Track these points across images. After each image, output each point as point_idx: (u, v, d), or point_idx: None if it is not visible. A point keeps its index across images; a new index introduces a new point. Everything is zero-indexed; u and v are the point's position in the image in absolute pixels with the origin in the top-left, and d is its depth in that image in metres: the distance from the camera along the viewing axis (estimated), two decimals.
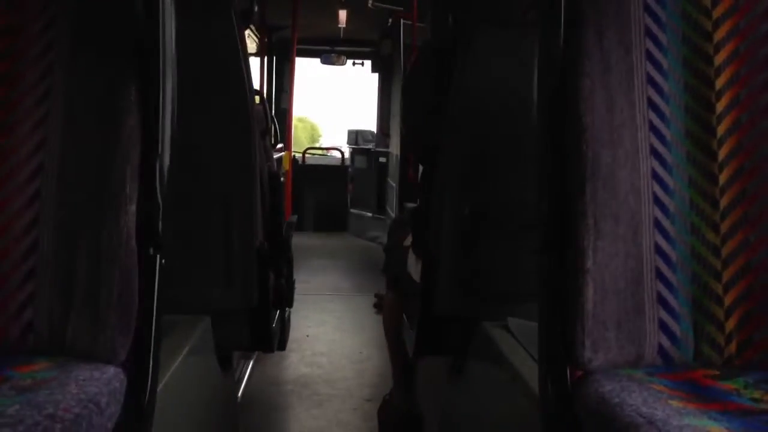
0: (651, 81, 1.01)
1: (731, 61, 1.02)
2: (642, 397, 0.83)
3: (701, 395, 0.86)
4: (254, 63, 6.27)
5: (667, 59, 1.02)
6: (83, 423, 0.82)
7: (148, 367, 0.99)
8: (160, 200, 1.02)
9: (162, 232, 1.02)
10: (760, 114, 1.01)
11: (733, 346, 0.98)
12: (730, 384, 0.90)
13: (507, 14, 1.82)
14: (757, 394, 0.87)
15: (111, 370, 0.94)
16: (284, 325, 2.52)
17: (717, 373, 0.94)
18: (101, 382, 0.89)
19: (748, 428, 0.77)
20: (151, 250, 1.01)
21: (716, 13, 1.03)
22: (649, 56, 1.01)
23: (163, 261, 1.02)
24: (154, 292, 1.01)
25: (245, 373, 2.98)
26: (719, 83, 1.02)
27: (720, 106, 1.01)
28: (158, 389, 1.01)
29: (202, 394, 1.62)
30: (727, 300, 0.98)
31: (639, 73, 1.01)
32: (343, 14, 6.25)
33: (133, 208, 1.00)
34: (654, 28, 1.02)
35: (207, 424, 1.66)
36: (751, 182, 1.00)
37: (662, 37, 1.02)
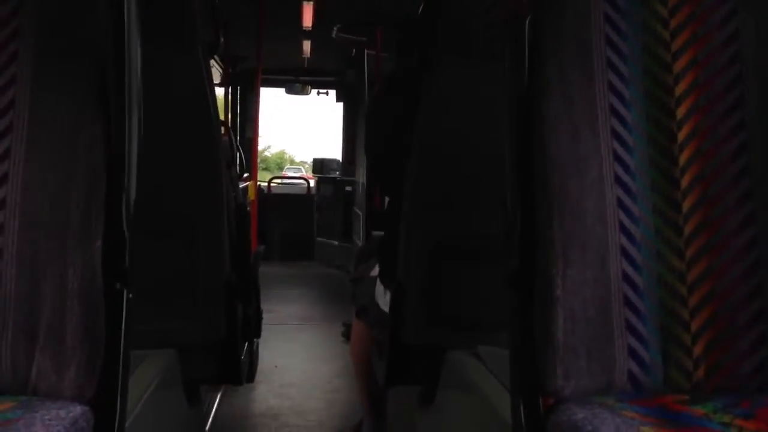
0: (614, 111, 1.03)
1: (691, 92, 1.05)
2: (615, 424, 0.84)
3: (672, 421, 0.87)
4: (219, 93, 6.26)
5: (629, 90, 1.04)
6: None
7: (116, 405, 0.97)
8: (126, 235, 1.01)
9: (128, 266, 1.01)
10: (720, 143, 1.03)
11: (701, 371, 0.99)
12: (700, 409, 0.91)
13: (472, 46, 1.85)
14: (726, 419, 0.88)
15: (78, 409, 0.92)
16: (252, 356, 2.49)
17: (686, 398, 0.95)
18: (68, 422, 0.87)
19: None
20: (118, 285, 1.00)
21: (675, 45, 1.06)
22: (612, 88, 1.03)
23: (130, 295, 1.01)
24: (121, 327, 0.99)
25: (213, 406, 2.93)
26: (680, 113, 1.04)
27: (681, 136, 1.04)
28: (126, 426, 1.00)
29: (170, 429, 1.59)
30: (694, 326, 1.00)
31: (602, 104, 1.03)
32: (307, 45, 6.28)
33: (99, 243, 0.99)
34: (616, 60, 1.04)
35: None
36: (713, 210, 1.02)
37: (624, 69, 1.04)
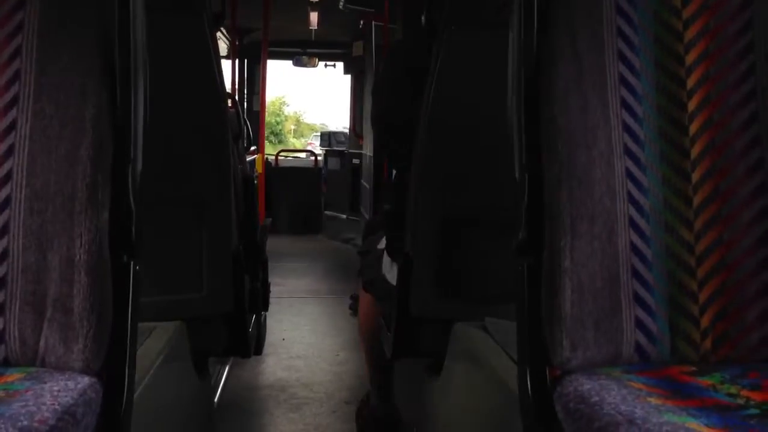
0: (624, 81, 1.02)
1: (701, 61, 1.03)
2: (621, 395, 0.84)
3: (679, 392, 0.87)
4: (225, 66, 6.24)
5: (639, 60, 1.03)
6: None
7: (124, 377, 0.97)
8: (133, 206, 1.00)
9: (135, 238, 1.01)
10: (731, 112, 1.02)
11: (708, 343, 0.99)
12: (706, 380, 0.91)
13: (480, 15, 1.83)
14: (733, 390, 0.88)
15: (86, 380, 0.92)
16: (260, 329, 2.51)
17: (694, 369, 0.95)
18: (76, 393, 0.88)
19: (725, 424, 0.78)
20: (125, 257, 1.00)
21: (686, 13, 1.04)
22: (622, 57, 1.02)
23: (138, 268, 1.01)
24: (128, 299, 0.99)
25: (221, 379, 2.95)
26: (690, 83, 1.03)
27: (691, 105, 1.02)
28: (134, 398, 1.00)
29: (178, 401, 1.61)
30: (702, 297, 0.99)
31: (612, 74, 1.01)
32: (314, 16, 6.24)
33: (105, 215, 0.99)
34: (626, 29, 1.02)
35: (184, 431, 1.65)
36: (723, 180, 1.01)
37: (634, 38, 1.03)
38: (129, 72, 1.00)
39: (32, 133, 1.01)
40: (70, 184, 0.98)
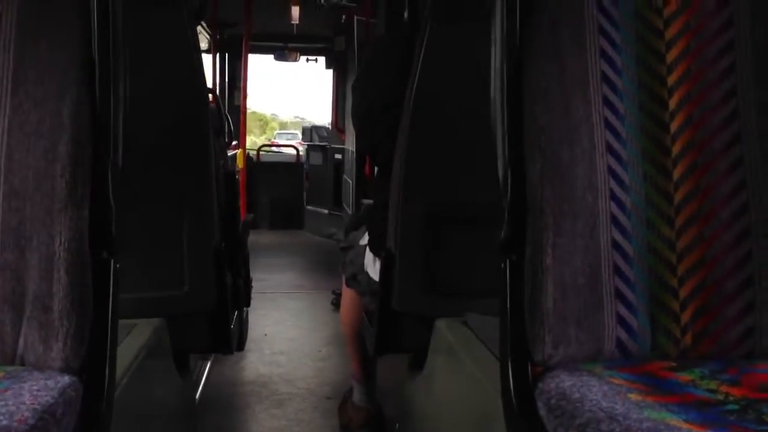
0: (605, 79, 1.02)
1: (682, 59, 1.04)
2: (602, 392, 0.85)
3: (659, 388, 0.88)
4: (206, 60, 6.20)
5: (620, 57, 1.03)
6: None
7: (104, 375, 0.97)
8: (113, 203, 1.00)
9: (116, 235, 1.00)
10: (711, 110, 1.03)
11: (688, 338, 1.00)
12: (686, 375, 0.92)
13: (462, 11, 1.83)
14: (713, 385, 0.89)
15: (66, 379, 0.91)
16: (242, 325, 2.50)
17: (674, 365, 0.96)
18: (56, 392, 0.87)
19: (704, 419, 0.79)
20: (105, 254, 0.99)
21: (667, 11, 1.04)
22: (603, 54, 1.02)
23: (118, 265, 1.00)
24: (108, 297, 0.99)
25: (203, 375, 2.94)
26: (671, 80, 1.03)
27: (672, 103, 1.03)
28: (115, 396, 0.99)
29: (159, 399, 1.60)
30: (683, 293, 1.00)
31: (594, 72, 1.02)
32: (295, 11, 6.21)
33: (85, 212, 0.98)
34: (607, 26, 1.03)
35: (165, 429, 1.64)
36: (704, 177, 1.02)
37: (616, 36, 1.03)
38: (108, 67, 0.99)
39: (10, 129, 0.99)
40: (49, 181, 0.97)
